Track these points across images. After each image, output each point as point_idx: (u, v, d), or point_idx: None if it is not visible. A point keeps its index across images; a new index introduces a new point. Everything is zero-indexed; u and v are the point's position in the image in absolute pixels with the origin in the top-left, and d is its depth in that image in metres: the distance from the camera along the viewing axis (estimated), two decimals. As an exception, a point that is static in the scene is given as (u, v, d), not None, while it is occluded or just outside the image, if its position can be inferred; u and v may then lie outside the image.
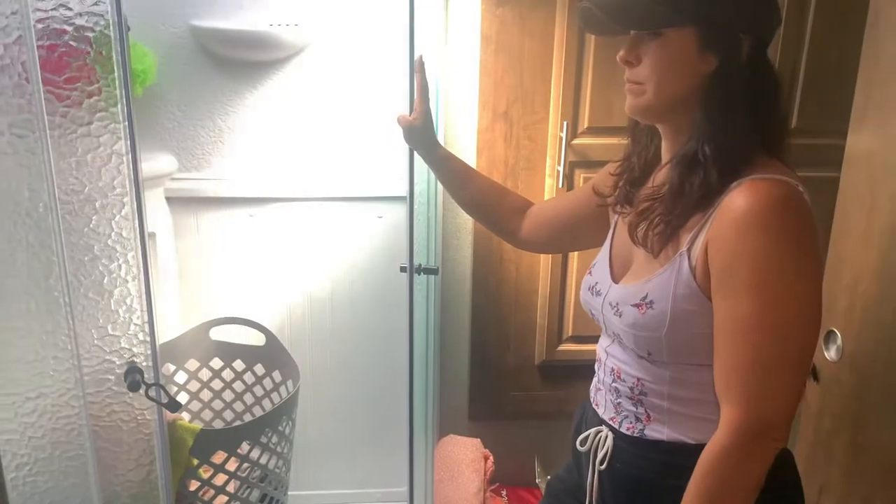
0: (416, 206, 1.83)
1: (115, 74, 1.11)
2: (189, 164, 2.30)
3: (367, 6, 2.20)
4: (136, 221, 1.19)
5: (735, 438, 1.00)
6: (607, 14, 1.07)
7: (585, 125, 2.25)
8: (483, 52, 2.19)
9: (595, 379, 1.33)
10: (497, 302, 2.41)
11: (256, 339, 2.32)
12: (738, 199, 1.01)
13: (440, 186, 2.15)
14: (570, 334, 2.43)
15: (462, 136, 2.29)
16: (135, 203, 1.17)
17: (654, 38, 1.07)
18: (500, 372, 2.49)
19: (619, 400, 1.22)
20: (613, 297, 1.19)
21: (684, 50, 1.05)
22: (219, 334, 2.33)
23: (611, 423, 1.25)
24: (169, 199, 2.27)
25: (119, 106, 1.13)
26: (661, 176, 1.18)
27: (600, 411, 1.28)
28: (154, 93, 2.19)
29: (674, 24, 1.04)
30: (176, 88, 2.22)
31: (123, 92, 1.12)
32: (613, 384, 1.23)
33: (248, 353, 2.34)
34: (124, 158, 1.16)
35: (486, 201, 1.61)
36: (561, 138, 2.24)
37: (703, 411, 1.11)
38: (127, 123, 1.13)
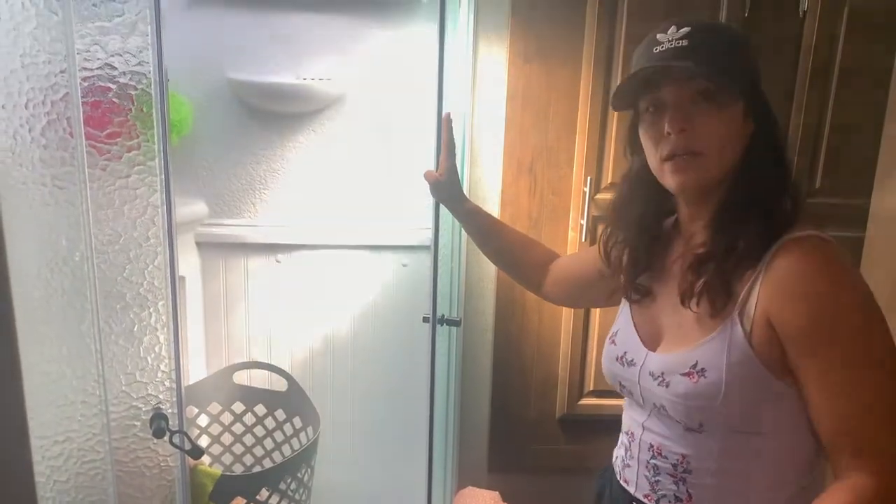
0: (439, 257, 1.86)
1: (155, 130, 1.16)
2: (220, 211, 2.35)
3: (396, 61, 2.27)
4: (169, 271, 1.22)
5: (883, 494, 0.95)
6: (695, 69, 1.05)
7: (609, 180, 2.27)
8: (509, 108, 2.24)
9: (622, 453, 1.27)
10: (519, 353, 2.41)
11: (279, 384, 2.34)
12: (792, 263, 1.01)
13: (465, 236, 2.18)
14: (591, 388, 2.41)
15: (488, 189, 2.33)
16: (167, 253, 1.20)
17: (710, 104, 1.07)
18: (521, 424, 2.47)
19: (657, 478, 1.17)
20: (655, 366, 1.14)
21: (736, 117, 1.08)
22: (242, 378, 2.36)
23: (645, 500, 1.20)
24: (199, 244, 2.33)
25: (157, 160, 1.18)
26: (694, 240, 1.17)
27: (631, 489, 1.22)
28: (189, 141, 2.26)
29: (735, 87, 1.07)
30: (210, 137, 2.29)
31: (161, 146, 1.17)
32: (652, 461, 1.18)
33: (270, 398, 2.35)
34: (159, 210, 1.20)
35: (512, 254, 1.63)
36: (585, 193, 2.26)
37: (751, 482, 1.08)
38: (164, 177, 1.17)
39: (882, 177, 1.60)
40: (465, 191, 1.97)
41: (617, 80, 2.20)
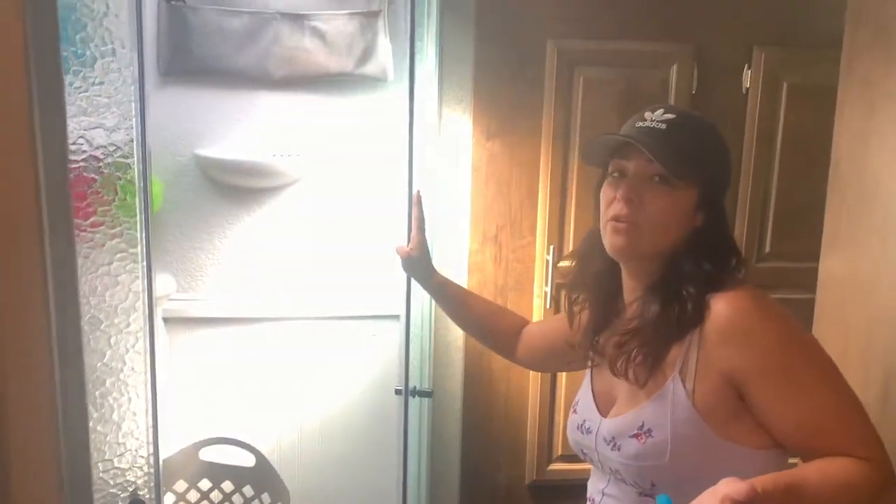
0: (411, 329, 1.89)
1: (138, 219, 1.19)
2: (187, 285, 2.36)
3: (362, 138, 2.33)
4: (149, 357, 1.23)
5: (884, 478, 1.04)
6: (648, 147, 1.11)
7: (570, 248, 2.35)
8: (474, 181, 2.32)
9: None
10: (487, 420, 2.44)
11: (246, 459, 2.31)
12: (728, 315, 1.08)
13: (434, 306, 2.22)
14: (560, 453, 2.44)
15: (454, 258, 2.38)
16: (147, 339, 1.22)
17: (665, 186, 1.13)
18: (491, 491, 2.48)
19: None
20: (607, 431, 1.19)
21: (686, 203, 1.15)
22: (209, 455, 2.32)
23: None
24: (165, 319, 2.32)
25: (139, 248, 1.20)
26: (631, 310, 1.22)
27: None
28: (157, 217, 2.27)
29: (687, 179, 1.13)
30: (178, 213, 2.31)
31: (144, 235, 1.19)
32: None
33: (238, 475, 2.32)
34: (141, 296, 1.22)
35: (483, 323, 1.66)
36: (548, 261, 2.33)
37: None
38: (145, 264, 1.19)
39: (828, 241, 1.70)
40: (434, 259, 2.01)
41: (575, 152, 2.31)
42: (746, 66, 2.35)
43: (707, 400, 1.09)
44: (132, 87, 1.15)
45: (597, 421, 1.23)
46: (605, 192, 1.19)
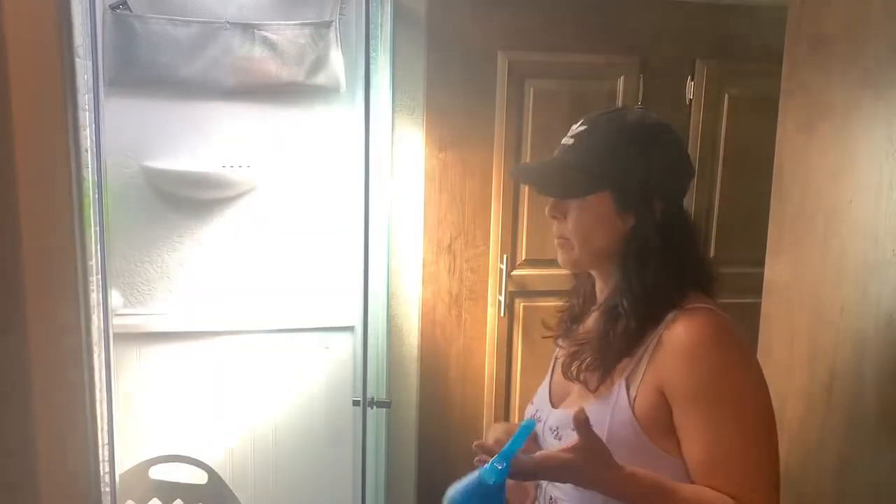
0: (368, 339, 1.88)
1: (92, 231, 1.16)
2: (134, 300, 2.30)
3: (313, 148, 2.31)
4: (104, 372, 1.20)
5: None
6: (535, 185, 1.19)
7: (523, 257, 2.38)
8: (427, 191, 2.33)
9: None
10: (444, 427, 2.44)
11: (198, 477, 2.26)
12: (683, 334, 1.11)
13: (391, 315, 2.22)
14: (515, 460, 2.45)
15: (408, 269, 2.38)
16: (103, 355, 1.19)
17: (575, 199, 1.18)
18: (448, 501, 2.47)
19: None
20: (553, 421, 1.23)
21: (602, 210, 1.18)
22: (158, 473, 2.26)
23: None
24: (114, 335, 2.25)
25: (94, 260, 1.17)
26: (591, 320, 1.27)
27: None
28: (102, 230, 2.21)
29: (589, 192, 1.17)
30: (126, 226, 2.25)
31: (99, 247, 1.16)
32: None
33: (190, 493, 2.26)
34: (96, 310, 1.18)
35: None
36: (501, 270, 2.36)
37: None
38: (100, 276, 1.16)
39: (773, 247, 1.76)
40: (387, 271, 1.99)
41: (526, 161, 2.34)
42: (690, 77, 2.43)
43: (646, 408, 1.12)
44: (87, 97, 1.12)
45: (547, 411, 1.27)
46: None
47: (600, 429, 1.11)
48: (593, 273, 1.27)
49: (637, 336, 1.15)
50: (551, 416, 1.24)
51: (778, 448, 1.12)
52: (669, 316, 1.14)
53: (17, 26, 0.56)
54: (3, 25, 0.54)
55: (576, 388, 1.24)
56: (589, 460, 1.03)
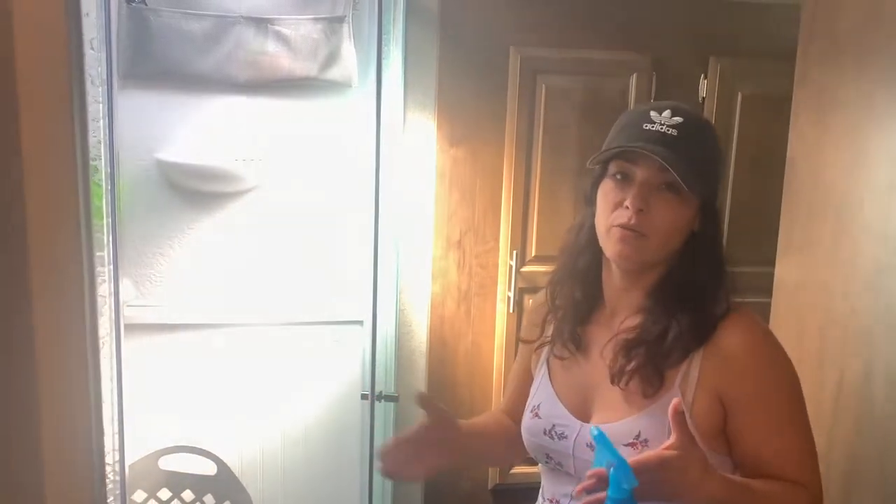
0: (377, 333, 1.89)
1: (105, 222, 1.17)
2: (146, 291, 2.32)
3: (325, 142, 2.32)
4: (115, 362, 1.21)
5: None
6: (676, 165, 1.09)
7: (533, 254, 2.38)
8: (438, 186, 2.33)
9: None
10: (451, 425, 2.44)
11: (207, 468, 2.28)
12: (739, 339, 1.12)
13: (399, 310, 2.22)
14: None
15: (418, 264, 2.39)
16: (114, 345, 1.20)
17: (672, 193, 1.11)
18: (454, 496, 2.48)
19: None
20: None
21: (689, 209, 1.14)
22: (168, 464, 2.28)
23: None
24: (125, 326, 2.27)
25: (105, 251, 1.18)
26: (630, 318, 1.19)
27: None
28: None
29: (695, 188, 1.11)
30: (138, 218, 2.27)
31: (111, 238, 1.18)
32: None
33: (199, 483, 2.28)
34: (108, 300, 1.20)
35: (510, 435, 1.39)
36: (511, 266, 2.36)
37: None
38: (112, 267, 1.18)
39: (783, 246, 1.75)
40: (397, 266, 2.01)
41: (538, 159, 2.34)
42: (703, 75, 2.42)
43: (702, 414, 1.11)
44: (100, 89, 1.13)
45: (574, 426, 1.19)
46: (608, 195, 1.15)
47: (658, 442, 1.07)
48: (631, 271, 1.19)
49: (693, 340, 1.13)
50: (588, 432, 1.14)
51: None
52: (718, 322, 1.13)
53: (25, 19, 0.56)
54: (11, 14, 0.54)
55: (605, 395, 1.18)
56: (692, 459, 1.00)
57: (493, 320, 2.40)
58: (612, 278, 1.22)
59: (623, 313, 1.21)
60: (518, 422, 1.34)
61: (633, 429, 1.13)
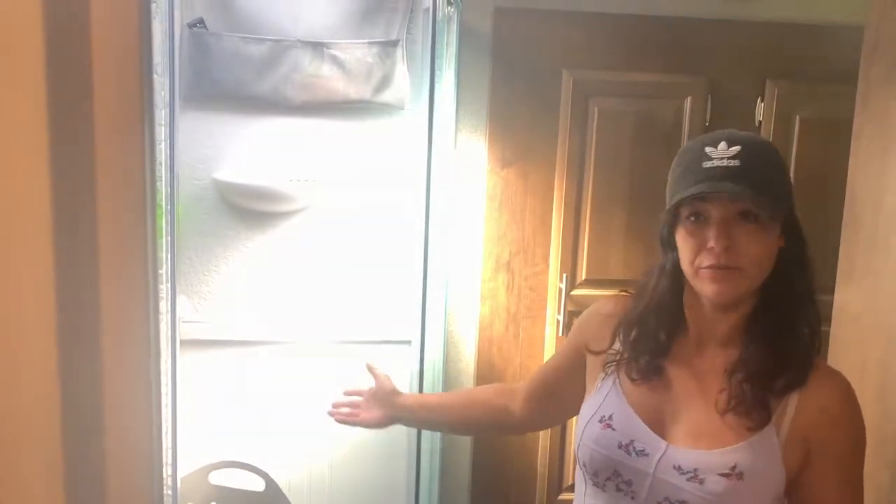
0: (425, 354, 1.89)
1: (163, 241, 1.20)
2: (201, 308, 2.37)
3: (378, 163, 2.35)
4: (170, 378, 1.24)
5: None
6: (750, 198, 1.08)
7: (583, 277, 2.36)
8: (488, 208, 2.34)
9: None
10: (497, 448, 2.42)
11: (256, 484, 2.30)
12: (835, 393, 1.12)
13: (447, 330, 2.22)
14: (570, 482, 2.43)
15: (467, 285, 2.39)
16: (170, 360, 1.23)
17: (750, 222, 1.10)
18: (500, 521, 2.46)
19: None
20: (686, 461, 1.13)
21: (775, 234, 1.13)
22: (218, 478, 2.31)
23: None
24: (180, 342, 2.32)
25: (164, 269, 1.21)
26: (723, 349, 1.18)
27: None
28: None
29: (777, 216, 1.12)
30: (194, 236, 2.33)
31: (169, 256, 1.21)
32: None
33: (247, 499, 2.31)
34: (165, 317, 1.23)
35: (473, 417, 1.57)
36: (560, 289, 2.34)
37: None
38: (170, 285, 1.21)
39: (843, 275, 1.70)
40: (446, 286, 2.01)
41: (589, 182, 2.33)
42: (759, 98, 2.38)
43: (788, 456, 1.10)
44: (163, 112, 1.17)
45: (657, 445, 1.17)
46: (688, 239, 1.14)
47: (754, 477, 1.10)
48: (727, 305, 1.17)
49: (797, 378, 1.12)
50: (676, 454, 1.15)
51: None
52: (811, 366, 1.13)
53: (103, 45, 0.59)
54: (90, 45, 0.57)
55: (696, 418, 1.17)
56: None
57: (541, 343, 2.38)
58: (702, 312, 1.19)
59: (712, 343, 1.20)
60: (526, 405, 1.47)
61: (731, 460, 1.11)
